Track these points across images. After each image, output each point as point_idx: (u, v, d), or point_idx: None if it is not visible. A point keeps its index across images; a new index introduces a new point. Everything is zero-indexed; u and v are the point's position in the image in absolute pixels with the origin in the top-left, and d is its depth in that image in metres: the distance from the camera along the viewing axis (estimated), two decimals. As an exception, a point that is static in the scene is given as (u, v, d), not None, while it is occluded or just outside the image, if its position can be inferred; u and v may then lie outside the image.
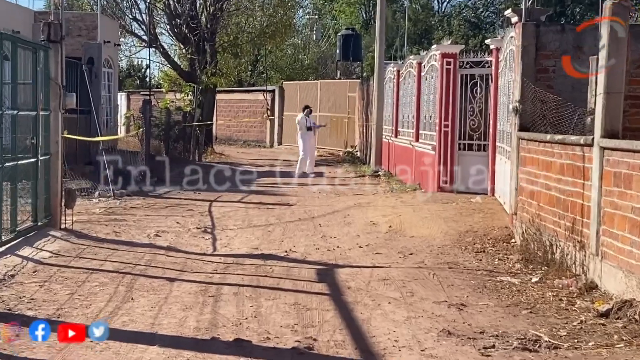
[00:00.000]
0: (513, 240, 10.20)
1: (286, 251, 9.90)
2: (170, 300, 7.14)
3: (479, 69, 14.70)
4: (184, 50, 28.59)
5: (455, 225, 11.26)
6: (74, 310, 6.74)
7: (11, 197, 9.32)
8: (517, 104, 10.47)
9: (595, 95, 7.85)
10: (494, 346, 5.89)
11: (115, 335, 5.91)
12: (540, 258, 8.78)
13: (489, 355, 5.71)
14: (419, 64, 17.07)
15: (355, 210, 13.49)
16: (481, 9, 51.92)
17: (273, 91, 34.23)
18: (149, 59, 26.95)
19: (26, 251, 9.14)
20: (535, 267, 8.64)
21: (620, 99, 7.59)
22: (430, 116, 15.94)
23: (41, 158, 10.28)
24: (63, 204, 10.87)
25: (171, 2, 26.98)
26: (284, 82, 35.77)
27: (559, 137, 8.86)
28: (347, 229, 11.66)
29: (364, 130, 25.35)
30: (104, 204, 13.77)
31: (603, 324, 6.46)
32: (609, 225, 7.27)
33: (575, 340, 6.06)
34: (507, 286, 7.94)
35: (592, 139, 7.71)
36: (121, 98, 33.00)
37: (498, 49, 13.78)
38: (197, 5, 27.41)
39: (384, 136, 21.18)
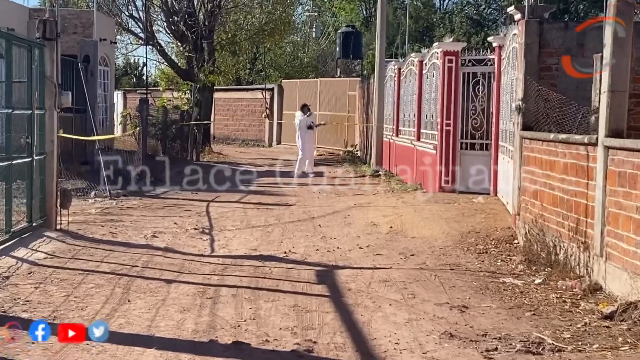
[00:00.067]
0: (516, 241, 10.11)
1: (285, 252, 9.79)
2: (168, 302, 7.06)
3: (481, 67, 14.60)
4: (181, 48, 28.51)
5: (457, 225, 11.17)
6: (70, 312, 6.67)
7: (6, 198, 9.23)
8: (520, 103, 10.38)
9: (600, 93, 7.77)
10: (496, 349, 5.82)
11: (112, 337, 5.83)
12: (544, 259, 8.69)
13: (492, 358, 5.65)
14: (420, 61, 16.97)
15: (356, 211, 13.39)
16: (483, 6, 51.82)
17: (272, 89, 34.13)
18: (146, 57, 26.82)
19: (21, 252, 9.06)
20: (538, 269, 8.54)
21: (625, 97, 7.51)
22: (432, 115, 15.83)
23: (36, 157, 10.18)
24: (58, 204, 10.77)
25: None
26: (283, 81, 35.67)
27: (562, 136, 8.78)
28: (347, 230, 11.57)
29: (365, 130, 25.27)
30: (100, 204, 13.66)
31: (607, 326, 6.39)
32: (614, 225, 7.19)
33: (579, 343, 5.99)
34: (510, 288, 7.85)
35: (597, 138, 7.63)
36: (117, 97, 32.94)
37: (500, 47, 13.66)
38: (195, 2, 27.31)
39: (384, 135, 21.10)
